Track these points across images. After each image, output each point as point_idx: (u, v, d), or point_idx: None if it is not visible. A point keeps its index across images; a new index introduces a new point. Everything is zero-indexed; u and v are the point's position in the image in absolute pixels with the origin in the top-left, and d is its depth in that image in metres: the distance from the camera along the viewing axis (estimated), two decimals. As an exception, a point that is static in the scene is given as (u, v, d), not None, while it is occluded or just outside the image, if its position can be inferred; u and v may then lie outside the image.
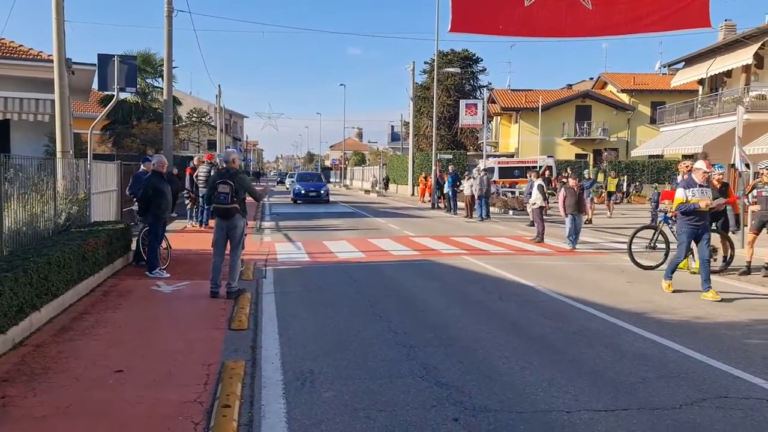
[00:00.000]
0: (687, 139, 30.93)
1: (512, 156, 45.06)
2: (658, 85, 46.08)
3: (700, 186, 8.87)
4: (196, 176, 16.82)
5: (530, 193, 17.06)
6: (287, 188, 49.62)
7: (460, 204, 24.99)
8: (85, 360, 5.41)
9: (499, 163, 36.65)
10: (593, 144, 46.65)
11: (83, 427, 4.09)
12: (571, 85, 57.15)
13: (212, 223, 16.23)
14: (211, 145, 54.53)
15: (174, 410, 4.34)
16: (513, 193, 32.41)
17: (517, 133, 47.62)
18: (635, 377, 5.25)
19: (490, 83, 55.87)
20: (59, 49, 10.85)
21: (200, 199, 16.78)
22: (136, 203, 10.72)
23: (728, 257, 11.17)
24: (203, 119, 59.39)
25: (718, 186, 10.91)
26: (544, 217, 15.64)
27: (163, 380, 4.96)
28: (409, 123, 49.93)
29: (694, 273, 10.53)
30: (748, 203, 11.59)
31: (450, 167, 27.65)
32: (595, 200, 22.59)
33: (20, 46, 15.48)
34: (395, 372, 5.29)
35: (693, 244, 10.72)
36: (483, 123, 40.89)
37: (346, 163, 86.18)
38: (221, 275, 8.15)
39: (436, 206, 28.57)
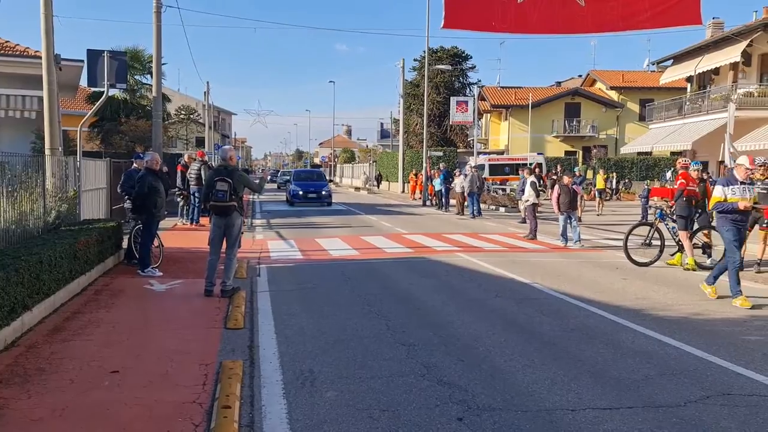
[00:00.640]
0: (676, 137, 31.13)
1: (502, 153, 45.20)
2: (647, 83, 46.35)
3: (742, 183, 7.97)
4: (189, 173, 16.68)
5: (523, 190, 17.09)
6: (278, 186, 49.29)
7: (452, 201, 25.00)
8: (80, 361, 5.30)
9: (489, 160, 36.71)
10: (582, 141, 46.88)
11: (81, 430, 3.99)
12: (560, 83, 57.38)
13: (203, 221, 16.31)
14: (200, 142, 54.04)
15: (173, 411, 4.25)
16: (504, 190, 32.47)
17: (507, 130, 47.75)
18: (638, 375, 5.22)
19: (480, 81, 55.98)
20: (48, 46, 10.62)
21: (192, 197, 16.63)
22: (128, 201, 10.56)
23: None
24: (191, 116, 58.89)
25: (697, 182, 10.99)
26: (537, 214, 15.64)
27: (160, 381, 4.86)
28: (398, 120, 49.91)
29: (688, 269, 10.56)
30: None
31: (441, 164, 27.64)
32: (585, 197, 22.65)
33: (7, 41, 15.23)
34: (396, 371, 5.23)
35: (686, 238, 10.75)
36: (473, 120, 40.94)
37: (336, 160, 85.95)
38: (216, 273, 8.05)
39: (427, 203, 28.58)
